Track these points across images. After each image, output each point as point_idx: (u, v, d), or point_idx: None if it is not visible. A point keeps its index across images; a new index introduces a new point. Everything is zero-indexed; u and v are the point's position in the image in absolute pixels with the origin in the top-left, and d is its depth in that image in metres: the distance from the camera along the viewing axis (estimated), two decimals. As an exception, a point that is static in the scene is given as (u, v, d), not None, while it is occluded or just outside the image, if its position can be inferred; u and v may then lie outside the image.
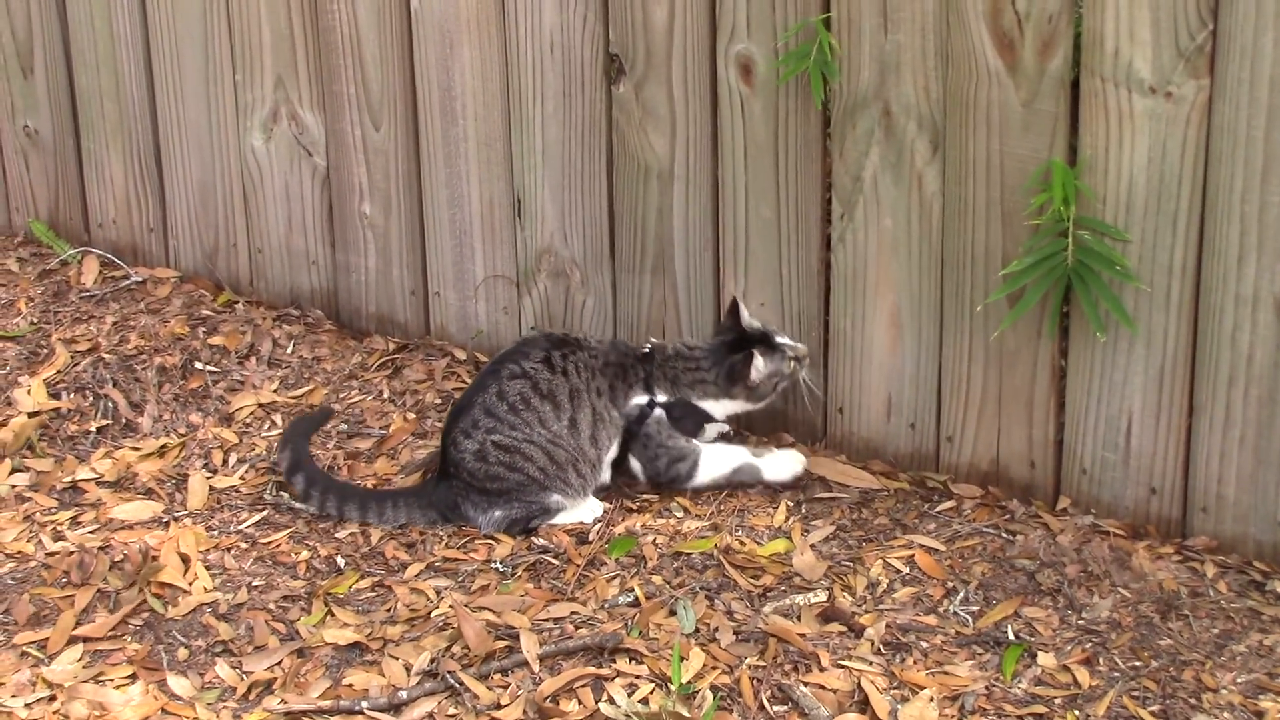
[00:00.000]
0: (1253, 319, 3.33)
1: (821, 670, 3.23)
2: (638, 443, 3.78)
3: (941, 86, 3.53)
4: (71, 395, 4.30)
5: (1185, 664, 3.20)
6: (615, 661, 3.28)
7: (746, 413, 3.85)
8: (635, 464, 3.82)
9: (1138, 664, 3.22)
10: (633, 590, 3.50)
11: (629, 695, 3.19)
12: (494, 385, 3.76)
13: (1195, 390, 3.44)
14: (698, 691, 3.18)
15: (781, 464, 3.80)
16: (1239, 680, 3.15)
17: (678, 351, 3.85)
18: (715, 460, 3.80)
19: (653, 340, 3.95)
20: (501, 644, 3.34)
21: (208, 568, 3.67)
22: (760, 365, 3.74)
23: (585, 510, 3.78)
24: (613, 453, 3.80)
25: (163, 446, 4.13)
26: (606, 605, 3.47)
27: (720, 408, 3.82)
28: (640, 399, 3.79)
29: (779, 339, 3.80)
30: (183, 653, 3.42)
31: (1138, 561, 3.45)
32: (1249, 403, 3.38)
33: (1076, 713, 3.10)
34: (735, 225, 3.90)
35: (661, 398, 3.79)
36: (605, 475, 3.82)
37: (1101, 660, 3.23)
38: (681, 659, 3.24)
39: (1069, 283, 3.43)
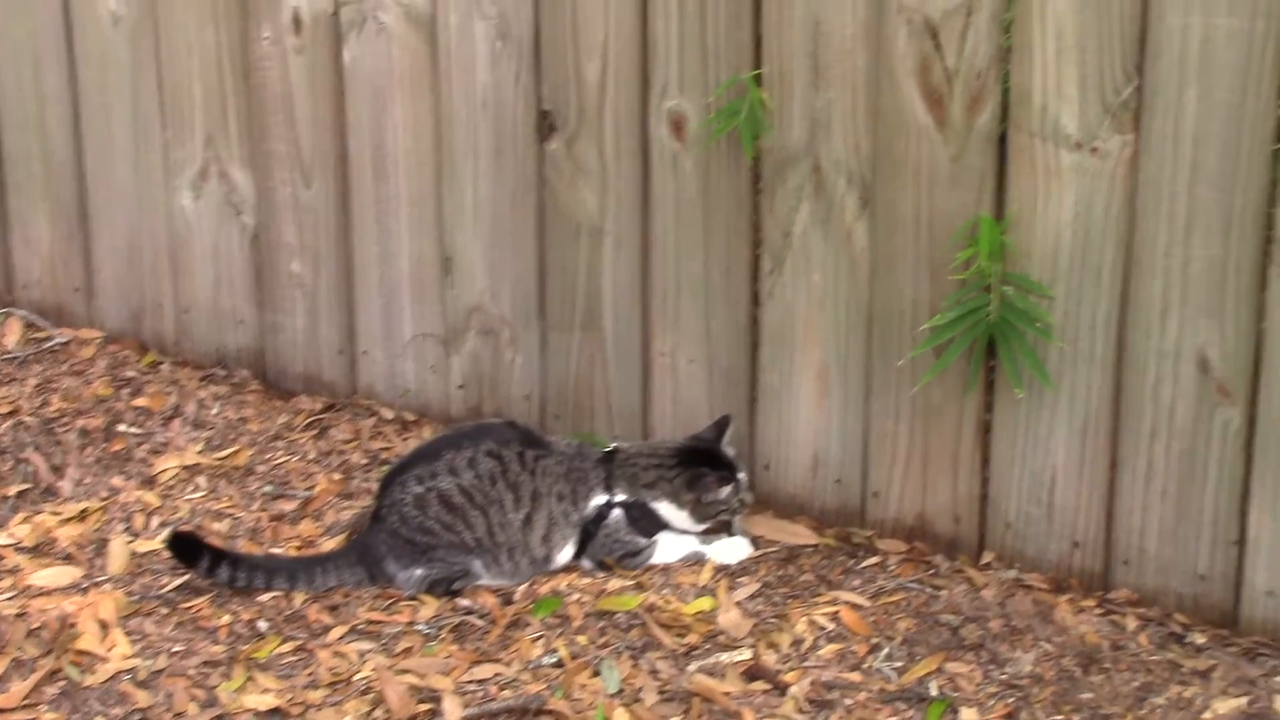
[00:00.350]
0: (1175, 373, 3.35)
1: (745, 727, 3.22)
2: (595, 541, 3.76)
3: (871, 142, 3.56)
4: (-9, 458, 4.27)
5: (1106, 717, 3.20)
6: (539, 722, 3.25)
7: (688, 532, 3.80)
8: (587, 561, 3.79)
9: (1059, 718, 3.21)
10: (557, 651, 3.47)
11: (553, 754, 3.17)
12: (469, 450, 3.73)
13: (1118, 444, 3.46)
14: (622, 749, 3.16)
15: (729, 550, 3.78)
16: (1160, 733, 3.16)
17: (640, 450, 3.84)
18: (666, 552, 3.78)
19: (617, 442, 3.94)
20: (424, 707, 3.31)
21: (127, 634, 3.60)
22: (723, 493, 3.73)
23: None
24: (568, 553, 3.77)
25: (83, 510, 4.07)
26: (530, 666, 3.44)
27: (668, 512, 3.77)
28: (599, 499, 3.77)
29: (741, 476, 3.79)
30: (100, 721, 3.37)
31: (1060, 615, 3.45)
32: (1171, 456, 3.40)
33: (999, 764, 3.10)
34: (665, 281, 3.90)
35: (620, 497, 3.77)
36: (553, 566, 3.79)
37: (1024, 714, 3.23)
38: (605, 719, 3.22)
39: (993, 338, 3.45)
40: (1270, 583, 3.36)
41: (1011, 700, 3.26)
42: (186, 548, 3.75)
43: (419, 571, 3.71)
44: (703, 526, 3.77)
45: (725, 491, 3.72)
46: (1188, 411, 3.36)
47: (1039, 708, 3.24)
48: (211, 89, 4.42)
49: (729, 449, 3.82)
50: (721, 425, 3.82)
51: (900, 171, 3.53)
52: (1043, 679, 3.31)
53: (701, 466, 3.74)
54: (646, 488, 3.75)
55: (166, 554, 3.88)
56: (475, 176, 4.10)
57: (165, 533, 3.85)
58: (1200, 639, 3.39)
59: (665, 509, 3.76)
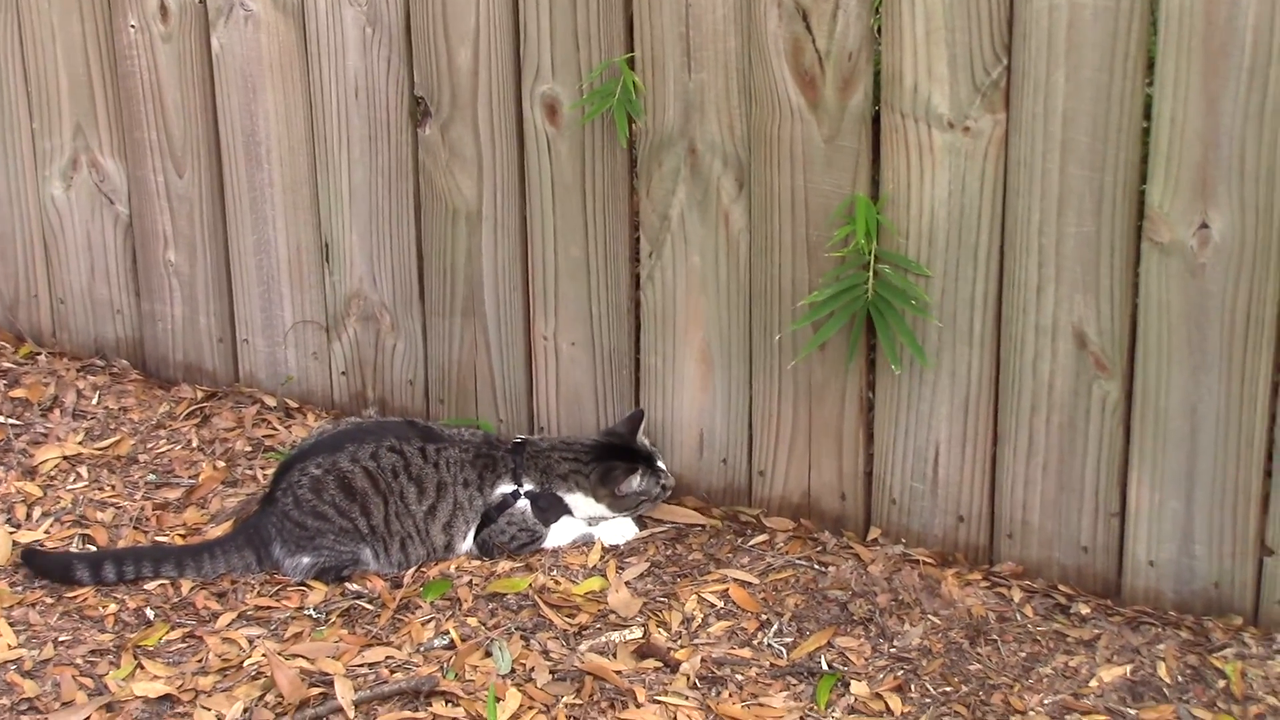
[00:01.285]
0: (1052, 348, 3.40)
1: (638, 706, 3.24)
2: (494, 526, 3.76)
3: (746, 124, 3.57)
4: None
5: (994, 688, 3.25)
6: (431, 705, 3.26)
7: (594, 518, 3.82)
8: (476, 541, 3.80)
9: (948, 689, 3.26)
10: (448, 633, 3.49)
11: (446, 738, 3.18)
12: (371, 445, 3.75)
13: (999, 419, 3.50)
14: (516, 731, 3.18)
15: (616, 531, 3.80)
16: (1046, 701, 3.21)
17: (554, 445, 3.85)
18: (558, 535, 3.79)
19: (522, 436, 3.96)
20: (316, 691, 3.31)
21: (12, 624, 3.59)
22: (636, 483, 3.75)
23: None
24: (468, 541, 3.78)
25: (-37, 501, 4.06)
26: (422, 649, 3.45)
27: (583, 504, 3.79)
28: (506, 488, 3.78)
29: (659, 464, 3.82)
30: (-14, 711, 3.36)
31: (947, 589, 3.50)
32: (1051, 430, 3.45)
33: (891, 739, 3.14)
34: (544, 265, 3.91)
35: (528, 487, 3.79)
36: (455, 555, 3.80)
37: (913, 687, 3.27)
38: (497, 700, 3.23)
39: (872, 316, 3.49)
40: (1151, 553, 3.43)
41: (901, 673, 3.30)
42: (50, 564, 3.74)
43: (306, 559, 3.71)
44: (622, 515, 3.81)
45: (635, 480, 3.74)
46: (1066, 386, 3.41)
47: (928, 680, 3.28)
48: (78, 78, 4.37)
49: (644, 440, 3.85)
50: (635, 420, 3.85)
51: (775, 153, 3.55)
52: (931, 651, 3.36)
53: (614, 460, 3.77)
54: (560, 479, 3.78)
55: (50, 545, 3.88)
56: (350, 163, 4.08)
57: (20, 552, 3.82)
58: (1084, 609, 3.45)
59: (575, 499, 3.79)
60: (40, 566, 3.75)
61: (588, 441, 3.86)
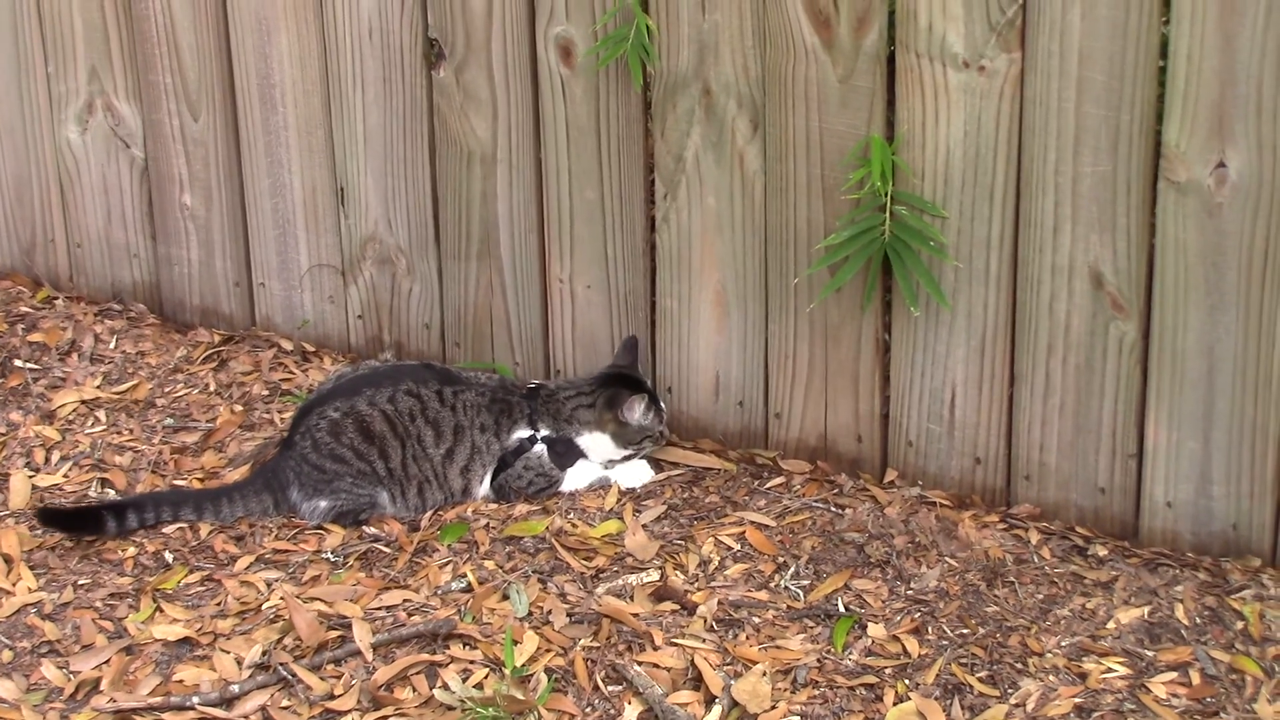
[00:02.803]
0: (1069, 288, 3.38)
1: (655, 649, 3.24)
2: (510, 471, 3.77)
3: (760, 65, 3.55)
4: (-113, 396, 4.23)
5: (1011, 630, 3.25)
6: (449, 648, 3.27)
7: (610, 461, 3.82)
8: (493, 485, 3.80)
9: (965, 632, 3.26)
10: (465, 576, 3.49)
11: (464, 681, 3.18)
12: (389, 388, 3.75)
13: (1015, 360, 3.49)
14: (532, 675, 3.18)
15: (633, 474, 3.80)
16: (1063, 644, 3.21)
17: (561, 385, 3.86)
18: (575, 479, 3.79)
19: (537, 380, 3.96)
20: (334, 634, 3.33)
21: (32, 567, 3.62)
22: (639, 410, 3.75)
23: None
24: (485, 485, 3.79)
25: (-18, 445, 4.07)
26: (439, 592, 3.46)
27: (596, 444, 3.79)
28: (523, 433, 3.79)
29: (660, 401, 3.82)
30: (7, 654, 3.36)
31: (964, 531, 3.49)
32: (1068, 371, 3.44)
33: (906, 682, 3.13)
34: (560, 208, 3.90)
35: (544, 432, 3.79)
36: (472, 498, 3.80)
37: (930, 629, 3.27)
38: (515, 643, 3.24)
39: (890, 257, 3.47)
40: (1169, 494, 3.42)
41: (918, 615, 3.30)
42: (75, 518, 3.74)
43: (323, 503, 3.72)
44: (627, 452, 3.80)
45: (640, 408, 3.74)
46: (1083, 326, 3.39)
47: (945, 622, 3.28)
48: (93, 21, 4.36)
49: (641, 374, 3.85)
50: (631, 347, 3.85)
51: (790, 94, 3.53)
52: (948, 594, 3.35)
53: (619, 388, 3.77)
54: (568, 421, 3.78)
55: (69, 489, 3.90)
56: (364, 106, 4.07)
57: (39, 511, 3.78)
58: (1102, 551, 3.44)
59: (588, 440, 3.79)
60: (66, 523, 3.74)
61: (591, 377, 3.87)
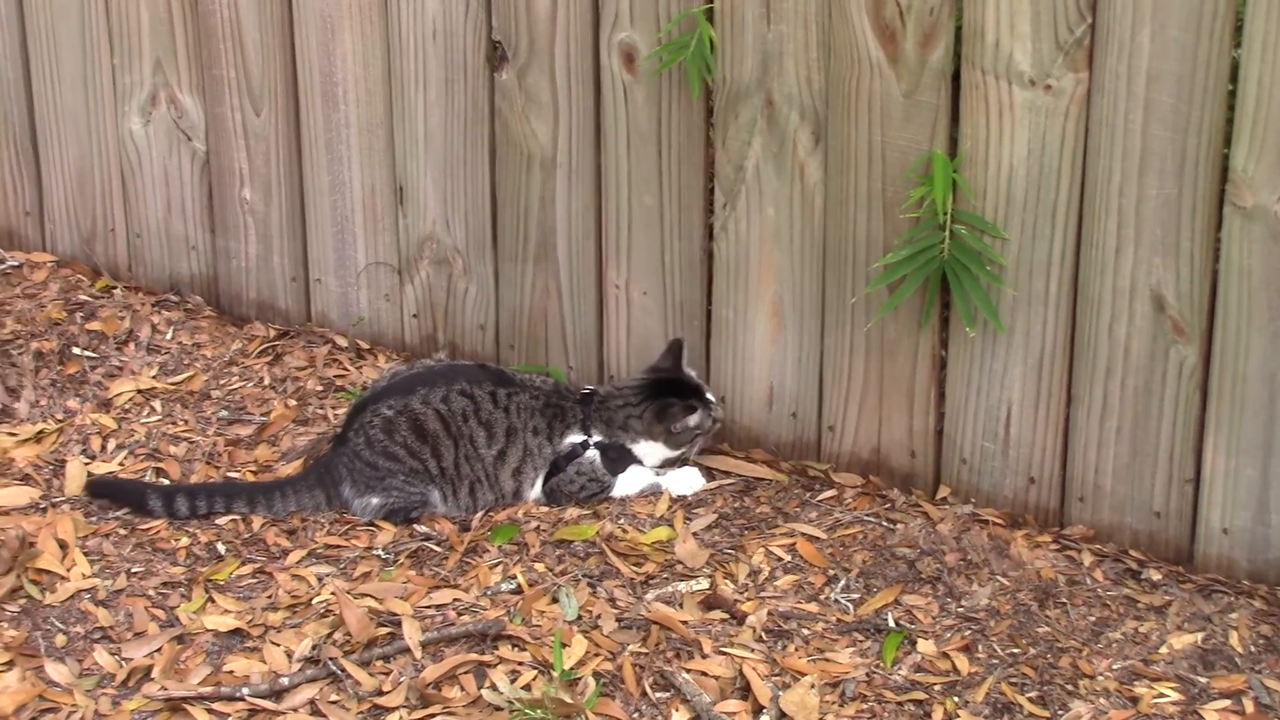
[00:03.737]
0: (1130, 310, 3.37)
1: (704, 657, 3.25)
2: (562, 475, 3.78)
3: (824, 77, 3.55)
4: (-55, 381, 4.25)
5: (1062, 651, 3.24)
6: (497, 648, 3.28)
7: (665, 461, 3.83)
8: (544, 489, 3.81)
9: (1016, 651, 3.25)
10: (515, 577, 3.50)
11: (511, 682, 3.19)
12: (442, 388, 3.76)
13: (1073, 381, 3.48)
14: (580, 678, 3.19)
15: (684, 481, 3.80)
16: (1115, 667, 3.20)
17: (610, 391, 3.86)
18: (626, 484, 3.80)
19: (591, 386, 3.96)
20: (383, 631, 3.34)
21: (86, 554, 3.64)
22: (694, 420, 3.77)
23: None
24: (536, 488, 3.80)
25: (40, 432, 4.08)
26: (489, 592, 3.47)
27: (648, 449, 3.80)
28: (576, 438, 3.80)
29: (708, 394, 3.82)
30: (61, 639, 3.39)
31: (1016, 550, 3.49)
32: (1126, 393, 3.43)
33: (955, 699, 3.13)
34: (618, 214, 3.90)
35: (597, 437, 3.80)
36: (522, 501, 3.82)
37: (980, 647, 3.27)
38: (564, 646, 3.24)
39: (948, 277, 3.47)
40: (1225, 520, 3.40)
41: (968, 633, 3.30)
42: (119, 490, 3.77)
43: (375, 500, 3.73)
44: (679, 452, 3.80)
45: (694, 419, 3.75)
46: (1143, 349, 3.38)
47: (995, 641, 3.28)
48: (159, 14, 4.38)
49: (690, 370, 3.85)
50: (676, 349, 3.84)
51: (853, 107, 3.53)
52: (999, 612, 3.35)
53: (667, 397, 3.76)
54: (621, 428, 3.79)
55: (124, 477, 3.93)
56: (426, 106, 4.08)
57: (89, 482, 3.85)
58: (1156, 575, 3.43)
59: (640, 448, 3.80)
60: (112, 493, 3.77)
61: (635, 382, 3.86)
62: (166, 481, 3.91)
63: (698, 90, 3.67)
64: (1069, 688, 3.15)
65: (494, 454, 3.75)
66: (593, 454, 3.77)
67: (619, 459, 3.78)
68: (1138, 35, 3.21)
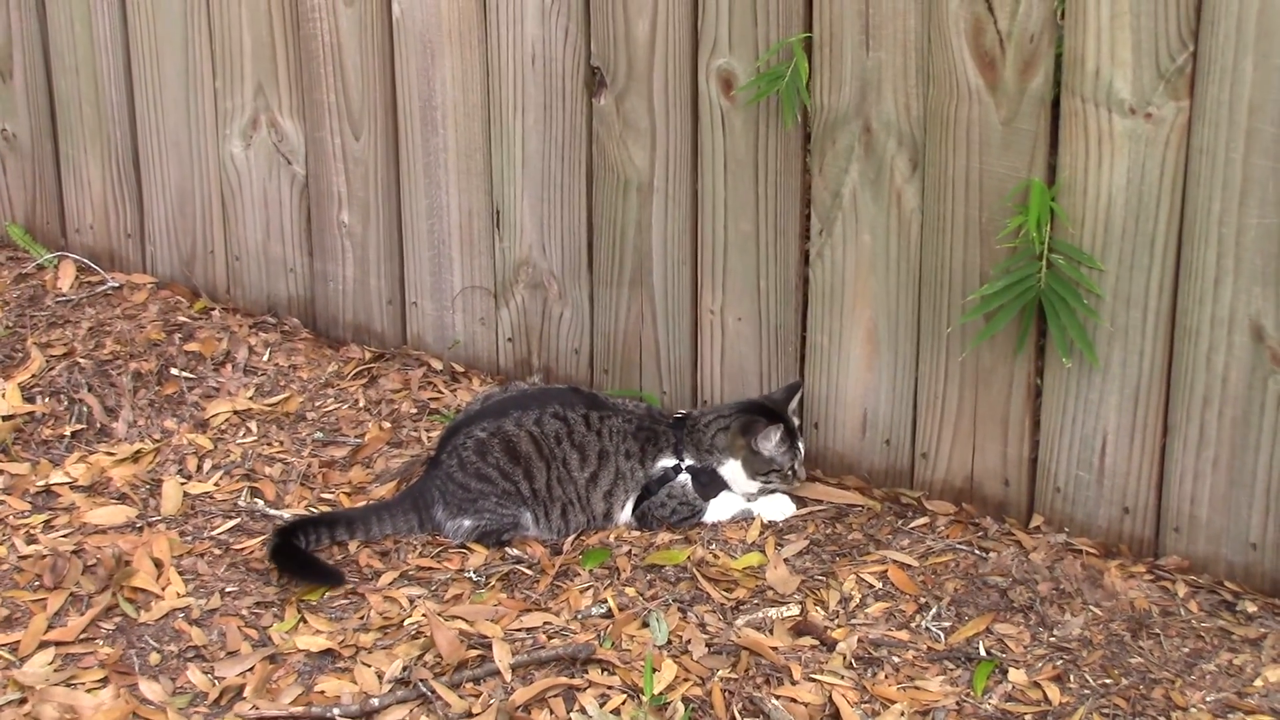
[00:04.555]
0: (1228, 341, 3.34)
1: (793, 683, 3.24)
2: (654, 499, 3.79)
3: (922, 104, 3.55)
4: (46, 399, 4.29)
5: (1155, 682, 3.21)
6: (587, 672, 3.28)
7: (748, 494, 3.82)
8: (635, 513, 3.82)
9: (1108, 681, 3.23)
10: (606, 601, 3.50)
11: (600, 706, 3.19)
12: (535, 411, 3.78)
13: (1170, 411, 3.45)
14: (669, 703, 3.18)
15: (776, 507, 3.80)
16: (1208, 699, 3.17)
17: (704, 413, 3.87)
18: (717, 510, 3.80)
19: (684, 410, 3.98)
20: (474, 653, 3.35)
21: (181, 573, 3.67)
22: (773, 439, 3.75)
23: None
24: (626, 511, 3.81)
25: (137, 452, 4.12)
26: (579, 616, 3.47)
27: (731, 472, 3.79)
28: (668, 462, 3.81)
29: (800, 444, 3.82)
30: (154, 657, 3.41)
31: (1110, 580, 3.46)
32: (1223, 424, 3.39)
33: (1047, 729, 3.12)
34: (714, 239, 3.91)
35: (689, 462, 3.80)
36: (613, 524, 3.82)
37: (1072, 677, 3.24)
38: (654, 670, 3.24)
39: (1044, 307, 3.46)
40: (1321, 553, 3.38)
41: (1060, 663, 3.27)
42: (285, 553, 3.71)
43: (468, 522, 3.75)
44: (756, 484, 3.79)
45: (775, 437, 3.73)
46: (1241, 379, 3.35)
47: (1087, 671, 3.25)
48: (261, 39, 4.43)
49: (794, 417, 3.84)
50: (792, 389, 3.85)
51: (951, 134, 3.52)
52: (1091, 643, 3.32)
53: (759, 415, 3.77)
54: (709, 451, 3.79)
55: (220, 497, 3.95)
56: (524, 131, 4.10)
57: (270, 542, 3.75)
58: (1251, 607, 3.40)
59: (726, 469, 3.79)
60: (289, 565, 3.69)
61: (736, 404, 3.87)
62: (261, 504, 3.94)
63: (790, 121, 3.68)
64: (1161, 719, 3.12)
65: (586, 476, 3.76)
66: (684, 478, 3.78)
67: (710, 484, 3.78)
68: (1240, 63, 3.19)
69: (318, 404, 4.32)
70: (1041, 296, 3.43)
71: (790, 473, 3.80)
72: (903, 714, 3.13)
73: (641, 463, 3.78)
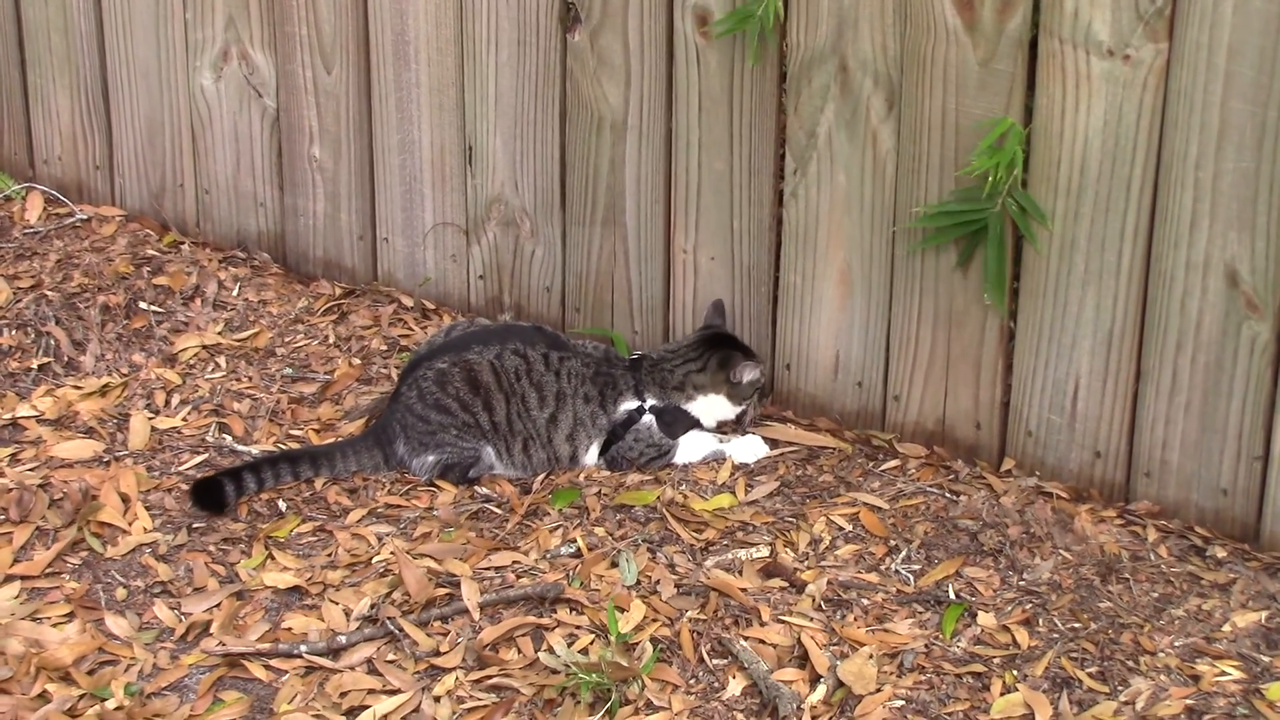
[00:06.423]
0: (1203, 286, 3.33)
1: (762, 625, 3.24)
2: (621, 443, 3.78)
3: (899, 44, 3.52)
4: (13, 332, 4.26)
5: (1124, 627, 3.21)
6: (556, 611, 3.28)
7: (724, 421, 3.82)
8: (605, 457, 3.81)
9: (1077, 626, 3.23)
10: (575, 541, 3.50)
11: (569, 645, 3.19)
12: (496, 347, 3.77)
13: (1143, 356, 3.45)
14: (638, 643, 3.18)
15: (747, 449, 3.79)
16: (1177, 644, 3.17)
17: (663, 354, 3.85)
18: (688, 450, 3.80)
19: (639, 351, 3.96)
20: (442, 591, 3.34)
21: (148, 508, 3.66)
22: (753, 373, 3.76)
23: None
24: (592, 454, 3.80)
25: (105, 386, 4.10)
26: (548, 555, 3.47)
27: (707, 405, 3.80)
28: (630, 404, 3.79)
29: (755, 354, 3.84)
30: (121, 592, 3.41)
31: (1080, 524, 3.46)
32: (1196, 369, 3.39)
33: (1015, 672, 3.11)
34: (688, 178, 3.88)
35: (651, 402, 3.79)
36: (578, 466, 3.81)
37: (1041, 621, 3.24)
38: (621, 610, 3.24)
39: (1018, 238, 3.48)
40: (1293, 498, 3.38)
41: (1029, 606, 3.27)
42: (208, 493, 3.69)
43: (430, 457, 3.74)
44: (740, 409, 3.79)
45: (753, 371, 3.75)
46: (1215, 325, 3.34)
47: (1056, 615, 3.25)
48: (232, -30, 4.39)
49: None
50: (720, 308, 3.86)
51: (928, 74, 3.50)
52: (1061, 587, 3.32)
53: (730, 350, 3.77)
54: (677, 389, 3.77)
55: (188, 433, 3.93)
56: (497, 67, 4.06)
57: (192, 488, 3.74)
58: (1221, 553, 3.40)
59: (700, 404, 3.78)
60: (203, 498, 3.68)
61: (689, 340, 3.85)
62: (229, 439, 3.92)
63: (754, 59, 3.65)
64: (1129, 664, 3.12)
65: (545, 417, 3.74)
66: (648, 419, 3.77)
67: (675, 421, 3.77)
68: (1220, 6, 3.16)
69: (287, 340, 4.30)
70: (988, 227, 3.45)
71: (761, 382, 3.82)
72: (871, 656, 3.13)
73: (602, 406, 3.77)
